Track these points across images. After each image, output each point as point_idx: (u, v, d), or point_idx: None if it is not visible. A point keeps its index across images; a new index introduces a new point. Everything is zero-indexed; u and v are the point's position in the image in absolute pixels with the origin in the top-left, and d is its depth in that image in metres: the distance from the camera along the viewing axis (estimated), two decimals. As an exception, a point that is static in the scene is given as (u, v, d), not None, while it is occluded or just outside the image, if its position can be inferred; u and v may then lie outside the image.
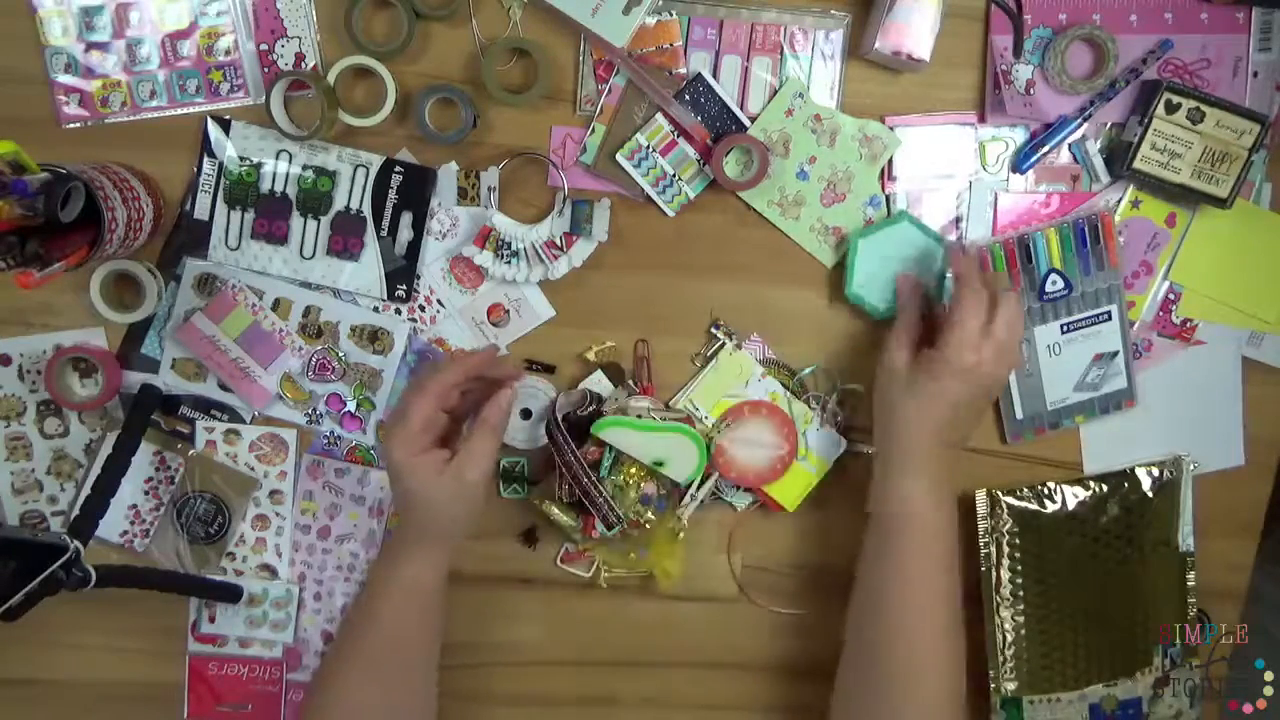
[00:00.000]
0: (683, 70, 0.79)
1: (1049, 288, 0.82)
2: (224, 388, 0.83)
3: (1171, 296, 0.85)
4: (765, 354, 0.84)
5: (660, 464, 0.79)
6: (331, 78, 0.76)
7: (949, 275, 0.78)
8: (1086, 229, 0.81)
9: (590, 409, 0.81)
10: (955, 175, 0.82)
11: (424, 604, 0.75)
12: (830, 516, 0.87)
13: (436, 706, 0.77)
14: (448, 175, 0.79)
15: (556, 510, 0.81)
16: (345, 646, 0.77)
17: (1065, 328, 0.83)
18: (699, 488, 0.84)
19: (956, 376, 0.71)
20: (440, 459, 0.70)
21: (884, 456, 0.76)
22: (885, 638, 0.73)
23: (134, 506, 0.85)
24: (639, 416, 0.79)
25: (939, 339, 0.73)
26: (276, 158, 0.79)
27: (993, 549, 0.85)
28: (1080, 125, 0.80)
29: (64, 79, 0.77)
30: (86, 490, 0.79)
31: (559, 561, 0.87)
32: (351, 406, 0.84)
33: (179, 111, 0.78)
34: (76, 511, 0.78)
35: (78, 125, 0.78)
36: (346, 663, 0.75)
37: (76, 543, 0.71)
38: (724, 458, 0.83)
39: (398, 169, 0.79)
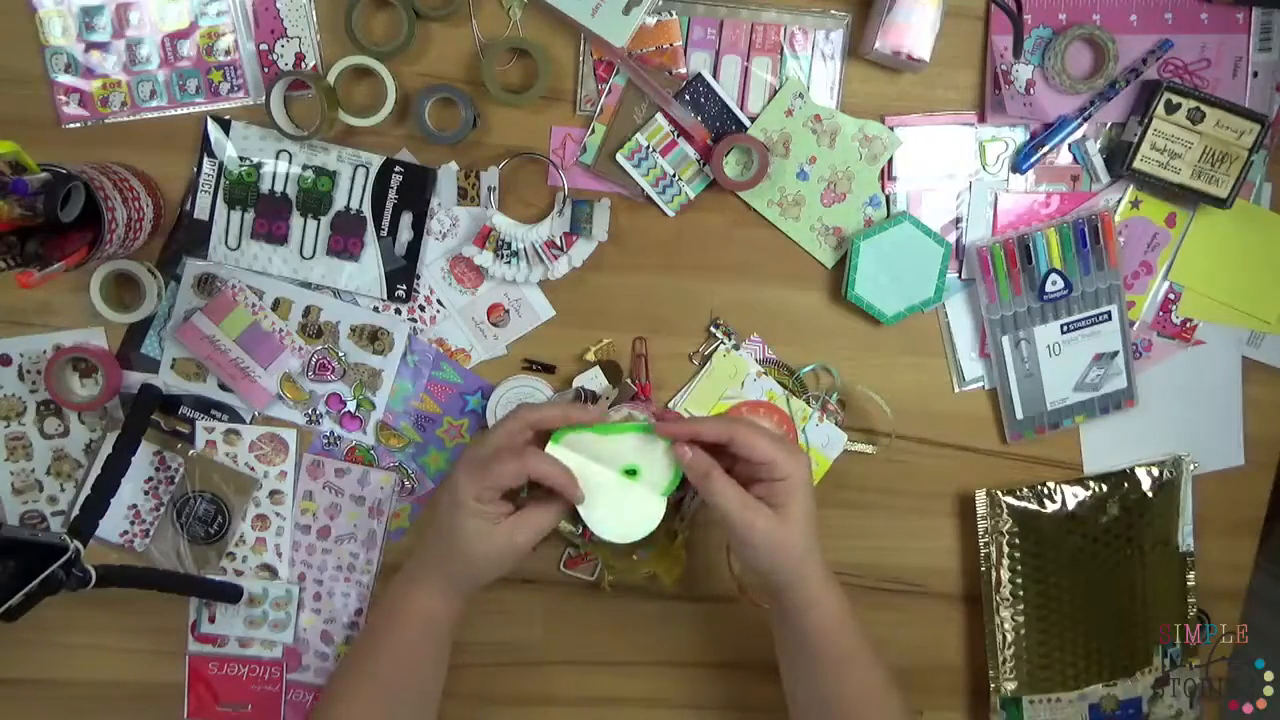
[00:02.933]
0: (683, 70, 0.79)
1: (1049, 288, 0.82)
2: (224, 388, 0.83)
3: (1171, 296, 0.85)
4: (765, 354, 0.84)
5: (633, 472, 0.72)
6: (331, 78, 0.76)
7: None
8: (1086, 229, 0.81)
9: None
10: (955, 175, 0.82)
11: (439, 637, 0.74)
12: (830, 515, 0.86)
13: None
14: (448, 175, 0.79)
15: None
16: (356, 668, 0.75)
17: (1065, 328, 0.83)
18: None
19: (811, 513, 0.70)
20: (501, 511, 0.69)
21: (794, 592, 0.71)
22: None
23: (134, 506, 0.85)
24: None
25: (775, 486, 0.69)
26: (276, 158, 0.79)
27: (993, 549, 0.85)
28: (1080, 125, 0.80)
29: (64, 79, 0.77)
30: (86, 490, 0.79)
31: (562, 567, 0.87)
32: (351, 406, 0.84)
33: (179, 111, 0.78)
34: (76, 511, 0.78)
35: (78, 125, 0.78)
36: (354, 687, 0.74)
37: (76, 543, 0.71)
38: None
39: (398, 169, 0.79)
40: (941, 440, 0.87)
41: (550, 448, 0.71)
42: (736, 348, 0.84)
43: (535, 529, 0.70)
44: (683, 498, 0.84)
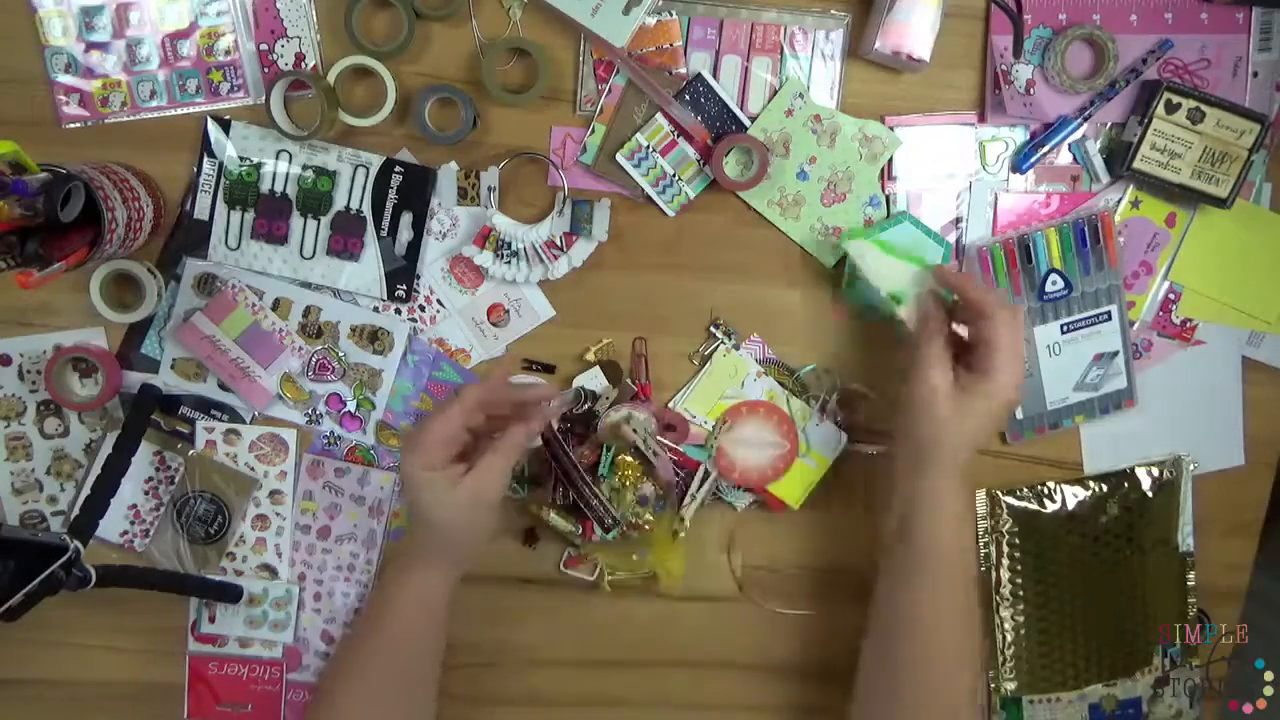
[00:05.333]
0: (683, 70, 0.79)
1: (1049, 288, 0.82)
2: (224, 388, 0.83)
3: (1171, 296, 0.85)
4: (765, 354, 0.84)
5: (897, 299, 0.76)
6: (331, 78, 0.76)
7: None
8: (1086, 229, 0.81)
9: (585, 407, 0.81)
10: (955, 175, 0.82)
11: (429, 617, 0.75)
12: (831, 516, 0.87)
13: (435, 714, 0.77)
14: (448, 175, 0.79)
15: (554, 516, 0.81)
16: (348, 656, 0.77)
17: (1065, 328, 0.83)
18: (699, 488, 0.84)
19: (1001, 397, 0.71)
20: (454, 473, 0.70)
21: (916, 468, 0.73)
22: (912, 655, 0.72)
23: (134, 506, 0.84)
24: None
25: (979, 360, 0.71)
26: (276, 158, 0.79)
27: (993, 549, 0.85)
28: (1080, 125, 0.80)
29: (64, 79, 0.77)
30: (86, 490, 0.79)
31: (562, 567, 0.87)
32: (351, 406, 0.84)
33: (179, 111, 0.78)
34: (76, 511, 0.78)
35: (78, 125, 0.78)
36: (348, 674, 0.75)
37: (76, 543, 0.71)
38: (725, 459, 0.83)
39: (398, 169, 0.79)
40: (941, 440, 0.87)
41: (845, 242, 0.78)
42: (736, 348, 0.84)
43: (497, 471, 0.71)
44: (683, 497, 0.84)
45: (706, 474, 0.84)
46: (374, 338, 0.82)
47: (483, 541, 0.75)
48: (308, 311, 0.82)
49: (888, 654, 0.74)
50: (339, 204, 0.80)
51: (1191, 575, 0.89)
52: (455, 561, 0.75)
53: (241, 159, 0.79)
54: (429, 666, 0.76)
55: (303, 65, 0.78)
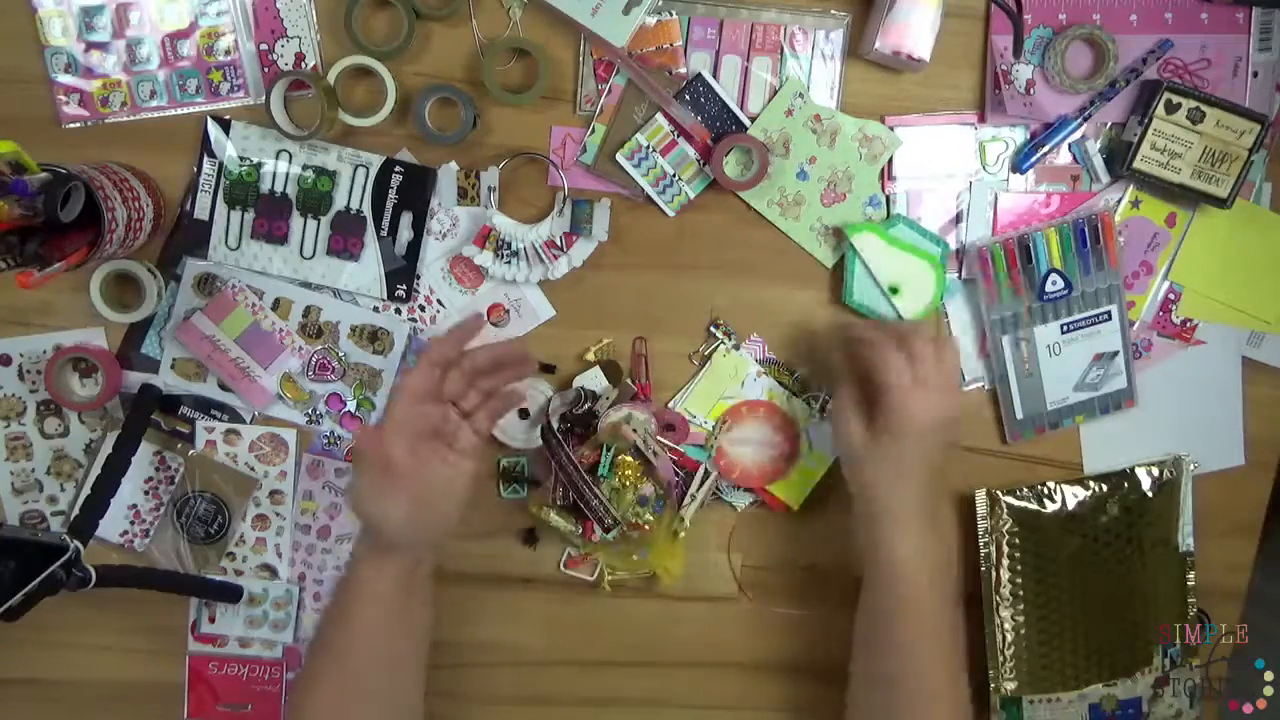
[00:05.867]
0: (683, 70, 0.79)
1: (1049, 288, 0.82)
2: (224, 388, 0.83)
3: (1171, 296, 0.85)
4: (765, 354, 0.84)
5: (895, 290, 0.79)
6: (331, 78, 0.76)
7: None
8: (1086, 229, 0.81)
9: (585, 407, 0.81)
10: (955, 175, 0.82)
11: (387, 609, 0.71)
12: (830, 516, 0.86)
13: (422, 711, 0.75)
14: (448, 175, 0.79)
15: (554, 516, 0.81)
16: (310, 662, 0.74)
17: (1065, 328, 0.83)
18: (699, 488, 0.84)
19: (913, 432, 0.71)
20: (401, 472, 0.68)
21: (871, 521, 0.74)
22: (895, 701, 0.72)
23: (134, 506, 0.84)
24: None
25: (881, 402, 0.72)
26: (276, 158, 0.79)
27: (993, 549, 0.85)
28: (1080, 125, 0.80)
29: (64, 79, 0.77)
30: (86, 490, 0.79)
31: (562, 567, 0.87)
32: (351, 406, 0.84)
33: (179, 111, 0.78)
34: (76, 511, 0.78)
35: (78, 125, 0.78)
36: (310, 682, 0.72)
37: (76, 543, 0.71)
38: (725, 460, 0.83)
39: (398, 169, 0.79)
40: (941, 440, 0.87)
41: (851, 234, 0.79)
42: (737, 347, 0.84)
43: (456, 477, 0.69)
44: (683, 497, 0.84)
45: (706, 474, 0.84)
46: (374, 338, 0.82)
47: (440, 536, 0.72)
48: (308, 311, 0.82)
49: (866, 690, 0.76)
50: (339, 204, 0.80)
51: (1191, 575, 0.88)
52: (409, 557, 0.71)
53: (241, 159, 0.79)
54: (393, 666, 0.72)
55: (303, 65, 0.78)
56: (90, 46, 0.77)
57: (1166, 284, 0.85)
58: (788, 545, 0.88)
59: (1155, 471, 0.86)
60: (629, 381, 0.83)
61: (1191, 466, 0.87)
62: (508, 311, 0.83)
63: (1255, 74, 0.81)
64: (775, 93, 0.79)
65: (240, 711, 0.88)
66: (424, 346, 0.82)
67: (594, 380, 0.83)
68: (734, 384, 0.84)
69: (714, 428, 0.83)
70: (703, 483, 0.84)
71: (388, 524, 0.69)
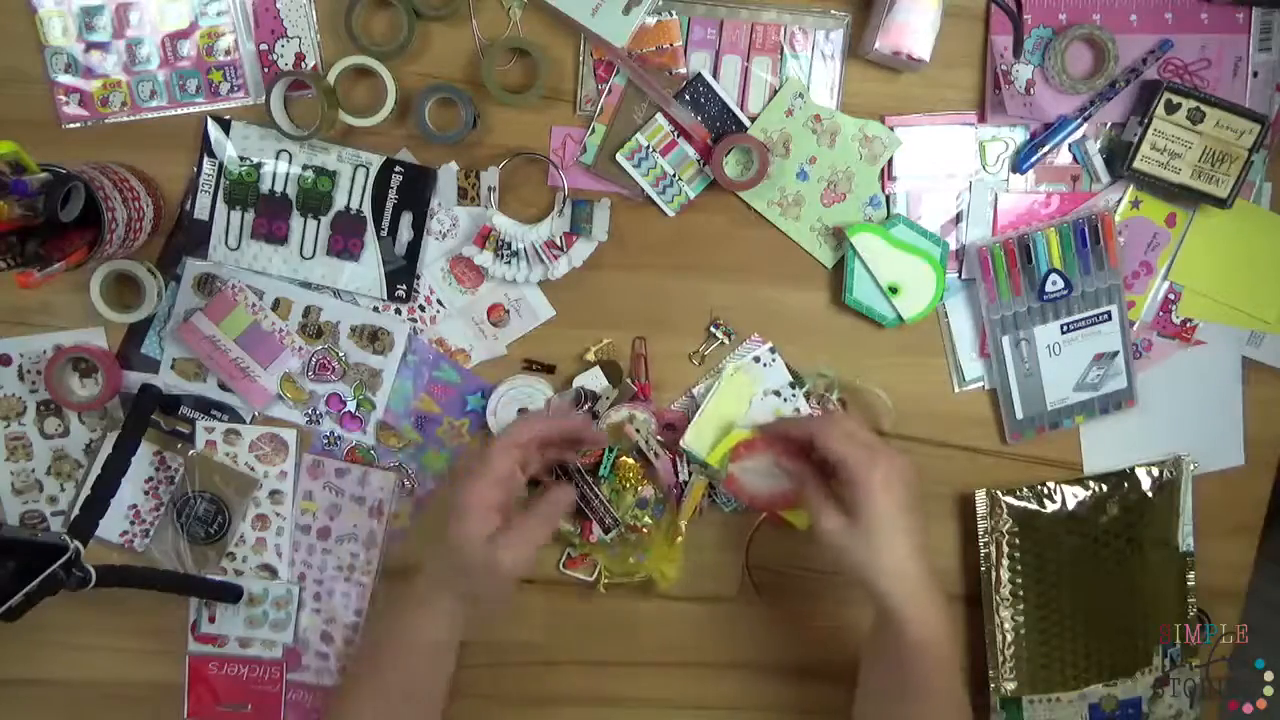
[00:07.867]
0: (683, 70, 0.79)
1: (1049, 288, 0.82)
2: (224, 388, 0.83)
3: (1171, 296, 0.85)
4: (764, 354, 0.84)
5: (894, 290, 0.80)
6: (331, 78, 0.76)
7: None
8: (1086, 229, 0.81)
9: (585, 407, 0.81)
10: (955, 175, 0.82)
11: (435, 657, 0.73)
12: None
13: None
14: (448, 175, 0.79)
15: None
16: (355, 691, 0.75)
17: (1065, 328, 0.83)
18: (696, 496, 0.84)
19: (879, 495, 0.69)
20: (491, 524, 0.69)
21: (882, 611, 0.71)
22: None
23: (134, 506, 0.85)
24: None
25: (851, 501, 0.70)
26: (276, 158, 0.79)
27: (993, 549, 0.85)
28: (1080, 125, 0.80)
29: (64, 79, 0.77)
30: (86, 490, 0.79)
31: (562, 567, 0.87)
32: (351, 406, 0.84)
33: (179, 111, 0.78)
34: (76, 511, 0.78)
35: (78, 125, 0.78)
36: (360, 707, 0.74)
37: (76, 543, 0.71)
38: (736, 485, 0.81)
39: (398, 169, 0.79)
40: (941, 440, 0.87)
41: (851, 234, 0.79)
42: (736, 354, 0.83)
43: (517, 545, 0.69)
44: (681, 497, 0.84)
45: (711, 488, 0.84)
46: (374, 338, 0.82)
47: (496, 597, 0.73)
48: (308, 311, 0.82)
49: None
50: (339, 204, 0.80)
51: (1191, 575, 0.89)
52: (463, 605, 0.73)
53: (241, 159, 0.79)
54: (434, 703, 0.75)
55: (303, 65, 0.78)
56: (90, 46, 0.77)
57: (1166, 284, 0.85)
58: (789, 546, 0.87)
59: (1155, 472, 0.86)
60: (629, 381, 0.83)
61: (1191, 466, 0.87)
62: (508, 311, 0.83)
63: (1255, 74, 0.81)
64: (775, 93, 0.79)
65: (240, 711, 0.88)
66: (532, 417, 0.82)
67: (594, 380, 0.83)
68: (741, 407, 0.82)
69: (722, 459, 0.80)
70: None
71: (487, 576, 0.70)
